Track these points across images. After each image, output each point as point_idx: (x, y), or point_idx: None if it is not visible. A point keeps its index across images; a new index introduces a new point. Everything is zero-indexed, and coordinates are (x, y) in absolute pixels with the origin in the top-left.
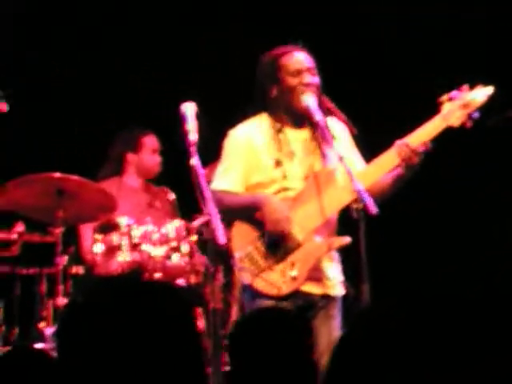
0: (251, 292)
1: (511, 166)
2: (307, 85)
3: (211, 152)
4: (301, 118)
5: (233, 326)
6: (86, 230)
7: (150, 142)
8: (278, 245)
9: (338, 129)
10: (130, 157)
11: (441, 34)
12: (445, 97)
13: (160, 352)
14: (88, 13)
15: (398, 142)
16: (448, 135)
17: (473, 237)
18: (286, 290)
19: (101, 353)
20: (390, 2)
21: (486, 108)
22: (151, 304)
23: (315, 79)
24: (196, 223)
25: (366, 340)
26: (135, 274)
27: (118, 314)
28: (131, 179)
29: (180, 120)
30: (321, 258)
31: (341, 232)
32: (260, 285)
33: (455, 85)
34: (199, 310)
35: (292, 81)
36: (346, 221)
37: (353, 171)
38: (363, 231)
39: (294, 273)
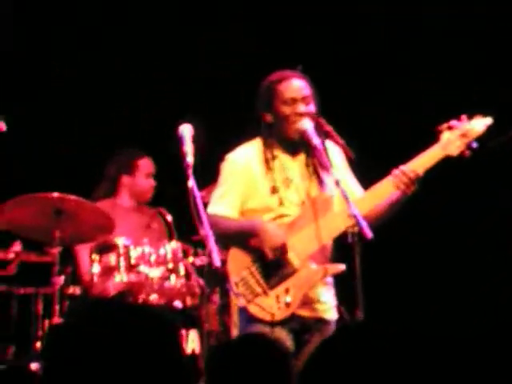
0: (246, 316)
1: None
2: (300, 114)
3: (208, 174)
4: (295, 145)
5: (209, 351)
6: (83, 251)
7: (145, 165)
8: (272, 270)
9: (335, 153)
10: (125, 179)
11: (441, 62)
12: (444, 126)
13: (143, 374)
14: (86, 33)
15: (395, 171)
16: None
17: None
18: (279, 315)
19: (84, 374)
20: (388, 29)
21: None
22: (134, 327)
23: (310, 108)
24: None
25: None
26: (121, 297)
27: (101, 336)
28: (125, 201)
29: (178, 142)
30: (315, 284)
31: (336, 256)
32: (254, 310)
33: (454, 114)
34: (193, 332)
35: (286, 109)
36: (342, 245)
37: (349, 196)
38: (359, 256)
39: (288, 299)
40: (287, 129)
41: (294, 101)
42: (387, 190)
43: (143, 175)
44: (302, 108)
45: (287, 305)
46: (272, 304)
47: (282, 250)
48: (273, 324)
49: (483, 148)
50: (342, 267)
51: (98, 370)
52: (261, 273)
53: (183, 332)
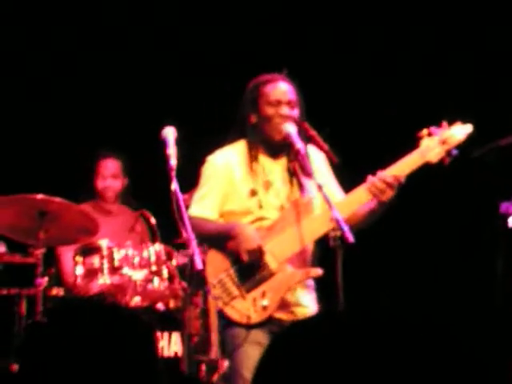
0: (224, 318)
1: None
2: (284, 117)
3: (192, 177)
4: (277, 148)
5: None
6: (67, 252)
7: (102, 166)
8: (250, 273)
9: (317, 157)
10: (94, 181)
11: (422, 68)
12: (424, 132)
13: (116, 373)
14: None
15: (371, 178)
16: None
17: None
18: (256, 319)
19: (58, 371)
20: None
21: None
22: (109, 326)
23: (294, 112)
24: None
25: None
26: (103, 298)
27: (76, 335)
28: (104, 203)
29: (161, 144)
30: (292, 287)
31: (318, 260)
32: (230, 312)
33: (434, 120)
34: (176, 335)
35: (270, 110)
36: (323, 249)
37: (331, 200)
38: (340, 260)
39: (264, 302)
40: (270, 130)
41: (278, 103)
42: (361, 197)
43: (100, 176)
44: (285, 110)
45: (264, 308)
46: (248, 307)
47: (258, 252)
48: (249, 327)
49: (467, 157)
50: (319, 272)
51: (73, 368)
52: (238, 275)
53: (165, 334)
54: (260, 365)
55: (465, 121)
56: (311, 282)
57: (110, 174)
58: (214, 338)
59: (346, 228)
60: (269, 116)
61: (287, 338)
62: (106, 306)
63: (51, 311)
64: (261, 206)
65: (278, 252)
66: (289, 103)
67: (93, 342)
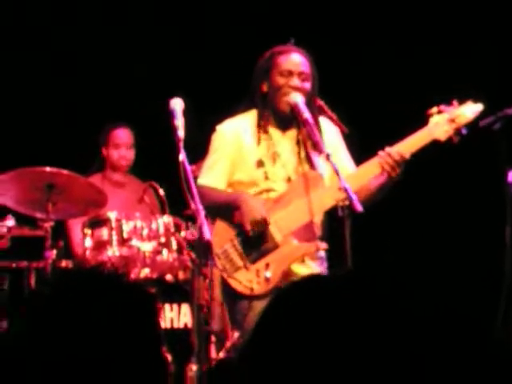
0: (229, 290)
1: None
2: (294, 88)
3: (200, 149)
4: (287, 120)
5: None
6: (76, 225)
7: (115, 135)
8: (254, 245)
9: (330, 130)
10: (104, 152)
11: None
12: (434, 109)
13: (115, 346)
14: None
15: (381, 153)
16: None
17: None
18: (258, 290)
19: (53, 343)
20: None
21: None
22: (108, 298)
23: (305, 85)
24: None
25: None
26: (97, 269)
27: (72, 306)
28: (112, 174)
29: (169, 116)
30: (296, 260)
31: (326, 231)
32: (234, 283)
33: (445, 98)
34: (185, 306)
35: (280, 80)
36: (332, 219)
37: (340, 171)
38: (349, 229)
39: (268, 274)
40: (278, 100)
41: (290, 73)
42: (372, 170)
43: (113, 146)
44: (296, 82)
45: (267, 280)
46: (252, 278)
47: (263, 224)
48: (251, 298)
49: (474, 127)
50: (323, 245)
51: (68, 339)
52: (243, 246)
53: (175, 306)
54: (259, 321)
55: (476, 99)
56: (322, 254)
57: (124, 144)
58: (216, 309)
59: (354, 197)
60: (279, 86)
61: (288, 294)
62: (104, 276)
63: (47, 281)
64: (267, 178)
65: (283, 224)
66: (300, 75)
67: (90, 312)
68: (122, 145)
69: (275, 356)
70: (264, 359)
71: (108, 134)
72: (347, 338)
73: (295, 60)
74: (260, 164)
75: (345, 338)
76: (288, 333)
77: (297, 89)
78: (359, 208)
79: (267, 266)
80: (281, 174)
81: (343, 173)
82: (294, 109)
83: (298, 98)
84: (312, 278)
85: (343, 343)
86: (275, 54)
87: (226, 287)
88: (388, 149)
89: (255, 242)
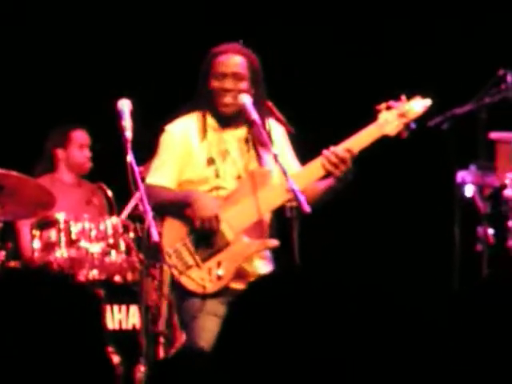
0: (179, 289)
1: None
2: (226, 90)
3: (147, 150)
4: (229, 119)
5: None
6: (24, 226)
7: (78, 136)
8: (205, 243)
9: (277, 131)
10: (60, 153)
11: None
12: (382, 105)
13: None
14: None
15: (325, 152)
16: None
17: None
18: (211, 288)
19: None
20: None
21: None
22: (53, 299)
23: (240, 85)
24: (125, 213)
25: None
26: (43, 269)
27: (18, 307)
28: (64, 175)
29: (116, 116)
30: (248, 258)
31: (274, 231)
32: (186, 282)
33: (393, 94)
34: (134, 308)
35: (214, 83)
36: (280, 220)
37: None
38: (297, 230)
39: (220, 272)
40: (215, 103)
41: (223, 75)
42: (316, 170)
43: (77, 147)
44: (228, 84)
45: (219, 278)
46: (204, 276)
47: (214, 221)
48: (204, 297)
49: (422, 128)
50: (274, 243)
51: (12, 342)
52: (194, 245)
53: (123, 307)
54: (220, 335)
55: (424, 95)
56: (268, 253)
57: (87, 145)
58: (163, 309)
59: (302, 198)
60: (214, 88)
61: (244, 301)
62: (49, 277)
63: None
64: (217, 175)
65: (234, 222)
66: (235, 75)
67: (34, 312)
68: (85, 146)
69: (243, 357)
70: (231, 362)
71: (67, 134)
72: (301, 335)
73: (229, 61)
74: (211, 162)
75: (298, 335)
76: (251, 334)
77: (230, 91)
78: (307, 209)
79: (219, 264)
80: (231, 171)
81: (289, 173)
82: (242, 110)
83: (245, 100)
84: (266, 279)
85: (300, 340)
86: (212, 56)
87: (177, 286)
88: (333, 147)
89: (206, 240)
